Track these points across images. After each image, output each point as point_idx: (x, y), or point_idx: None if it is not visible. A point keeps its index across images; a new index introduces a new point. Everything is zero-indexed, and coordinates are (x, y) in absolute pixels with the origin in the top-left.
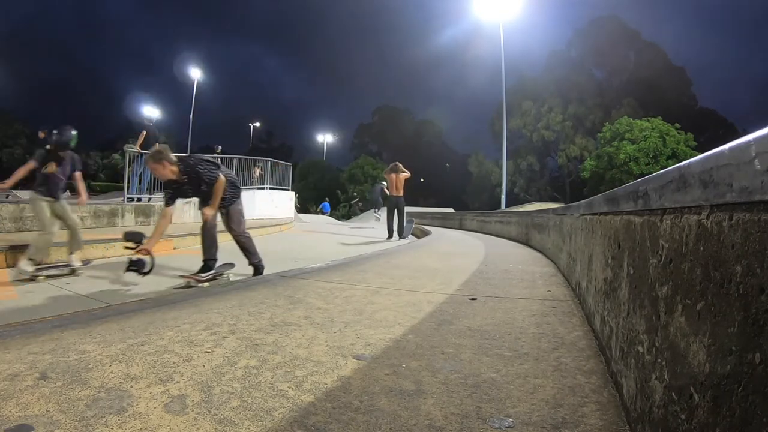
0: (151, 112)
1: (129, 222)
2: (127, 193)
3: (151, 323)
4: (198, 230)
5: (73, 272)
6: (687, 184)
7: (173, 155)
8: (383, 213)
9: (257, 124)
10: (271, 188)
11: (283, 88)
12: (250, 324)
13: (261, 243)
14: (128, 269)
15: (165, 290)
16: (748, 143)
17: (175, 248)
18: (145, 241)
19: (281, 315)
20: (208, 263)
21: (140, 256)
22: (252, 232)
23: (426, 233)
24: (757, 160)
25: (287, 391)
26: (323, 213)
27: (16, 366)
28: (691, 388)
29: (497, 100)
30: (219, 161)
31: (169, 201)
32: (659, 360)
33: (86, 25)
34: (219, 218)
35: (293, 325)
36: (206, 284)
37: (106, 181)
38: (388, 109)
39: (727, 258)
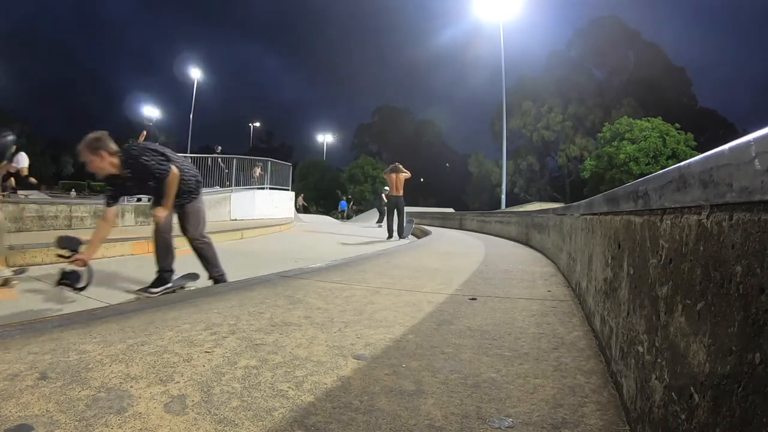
0: (151, 112)
1: (129, 222)
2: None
3: (151, 323)
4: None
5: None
6: (687, 184)
7: (114, 144)
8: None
9: (257, 124)
10: (271, 188)
11: (283, 88)
12: (250, 324)
13: (261, 243)
14: (60, 282)
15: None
16: (748, 143)
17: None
18: (82, 248)
19: (281, 315)
20: (163, 275)
21: (75, 267)
22: (252, 232)
23: (426, 233)
24: (757, 160)
25: (287, 391)
26: (342, 211)
27: (16, 366)
28: (691, 388)
29: (497, 100)
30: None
31: (111, 201)
32: (659, 360)
33: (86, 25)
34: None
35: (293, 325)
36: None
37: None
38: (388, 109)
39: (727, 258)
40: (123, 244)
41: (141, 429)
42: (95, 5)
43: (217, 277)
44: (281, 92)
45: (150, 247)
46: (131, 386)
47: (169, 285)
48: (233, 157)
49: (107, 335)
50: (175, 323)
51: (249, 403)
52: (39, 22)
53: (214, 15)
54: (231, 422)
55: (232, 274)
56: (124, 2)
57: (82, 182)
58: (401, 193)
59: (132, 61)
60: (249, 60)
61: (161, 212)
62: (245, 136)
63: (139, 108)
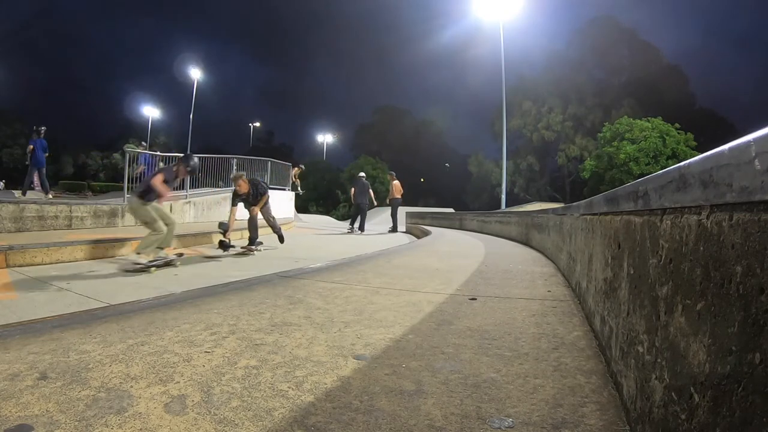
0: (150, 111)
1: (129, 222)
2: (127, 193)
3: (151, 323)
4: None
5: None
6: (687, 184)
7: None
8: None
9: (257, 124)
10: (271, 188)
11: (282, 89)
12: (250, 324)
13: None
14: (219, 246)
15: None
16: (748, 143)
17: (175, 248)
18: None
19: (281, 315)
20: (253, 240)
21: (225, 239)
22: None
23: (426, 233)
24: (757, 160)
25: (287, 391)
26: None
27: (16, 366)
28: (691, 388)
29: (497, 100)
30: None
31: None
32: (659, 360)
33: (86, 24)
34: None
35: (293, 325)
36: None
37: (106, 181)
38: (388, 109)
39: (727, 258)
40: (123, 244)
41: (141, 429)
42: (96, 5)
43: (279, 233)
44: (281, 92)
45: None
46: (131, 386)
47: (255, 246)
48: (233, 157)
49: (107, 335)
50: (175, 323)
51: (249, 403)
52: (39, 22)
53: (214, 18)
54: (231, 422)
55: (232, 275)
56: (127, 3)
57: (83, 182)
58: (399, 195)
59: (133, 61)
60: (249, 60)
61: (255, 209)
62: (245, 136)
63: (138, 108)
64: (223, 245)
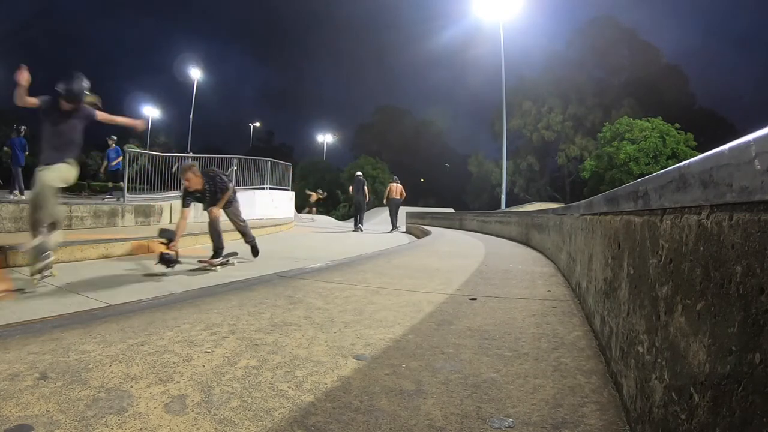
0: (150, 111)
1: (129, 222)
2: (127, 193)
3: (151, 323)
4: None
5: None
6: (687, 184)
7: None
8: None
9: (257, 124)
10: (271, 188)
11: (282, 89)
12: (250, 324)
13: (261, 243)
14: (160, 261)
15: None
16: (748, 143)
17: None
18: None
19: (281, 315)
20: (218, 251)
21: (170, 251)
22: (252, 233)
23: (426, 233)
24: (757, 160)
25: (287, 391)
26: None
27: (16, 366)
28: (691, 388)
29: (497, 100)
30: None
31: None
32: (659, 360)
33: (86, 24)
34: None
35: (293, 325)
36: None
37: (105, 181)
38: (388, 109)
39: (727, 258)
40: (123, 244)
41: (141, 429)
42: (96, 5)
43: (253, 243)
44: (280, 92)
45: (149, 247)
46: (131, 386)
47: (220, 259)
48: (233, 157)
49: (107, 335)
50: (175, 323)
51: (249, 403)
52: (39, 22)
53: (214, 19)
54: (231, 422)
55: (232, 275)
56: (127, 3)
57: (83, 182)
58: (397, 196)
59: (133, 60)
60: (249, 61)
61: (215, 210)
62: (245, 136)
63: (138, 108)
64: (166, 260)
